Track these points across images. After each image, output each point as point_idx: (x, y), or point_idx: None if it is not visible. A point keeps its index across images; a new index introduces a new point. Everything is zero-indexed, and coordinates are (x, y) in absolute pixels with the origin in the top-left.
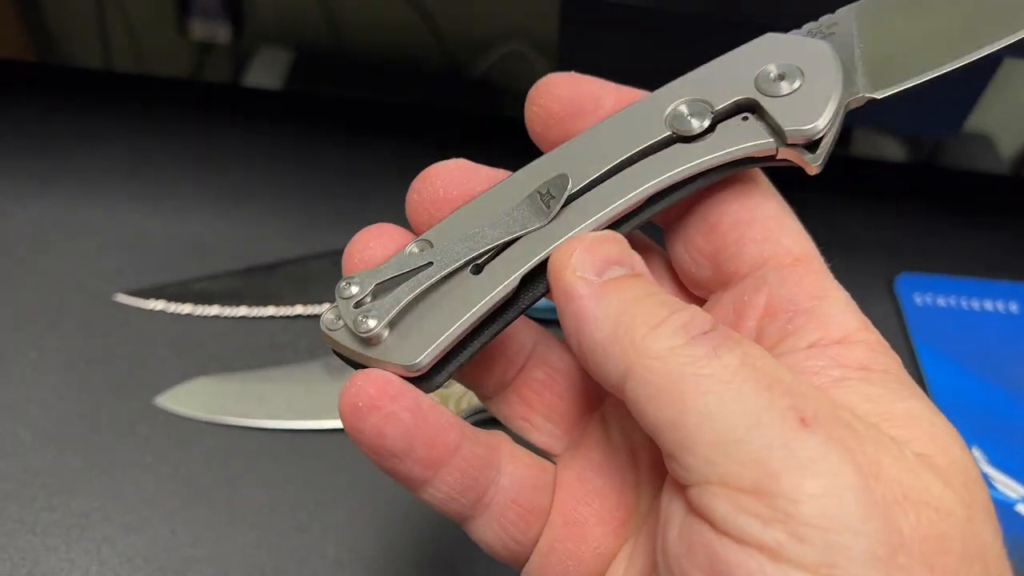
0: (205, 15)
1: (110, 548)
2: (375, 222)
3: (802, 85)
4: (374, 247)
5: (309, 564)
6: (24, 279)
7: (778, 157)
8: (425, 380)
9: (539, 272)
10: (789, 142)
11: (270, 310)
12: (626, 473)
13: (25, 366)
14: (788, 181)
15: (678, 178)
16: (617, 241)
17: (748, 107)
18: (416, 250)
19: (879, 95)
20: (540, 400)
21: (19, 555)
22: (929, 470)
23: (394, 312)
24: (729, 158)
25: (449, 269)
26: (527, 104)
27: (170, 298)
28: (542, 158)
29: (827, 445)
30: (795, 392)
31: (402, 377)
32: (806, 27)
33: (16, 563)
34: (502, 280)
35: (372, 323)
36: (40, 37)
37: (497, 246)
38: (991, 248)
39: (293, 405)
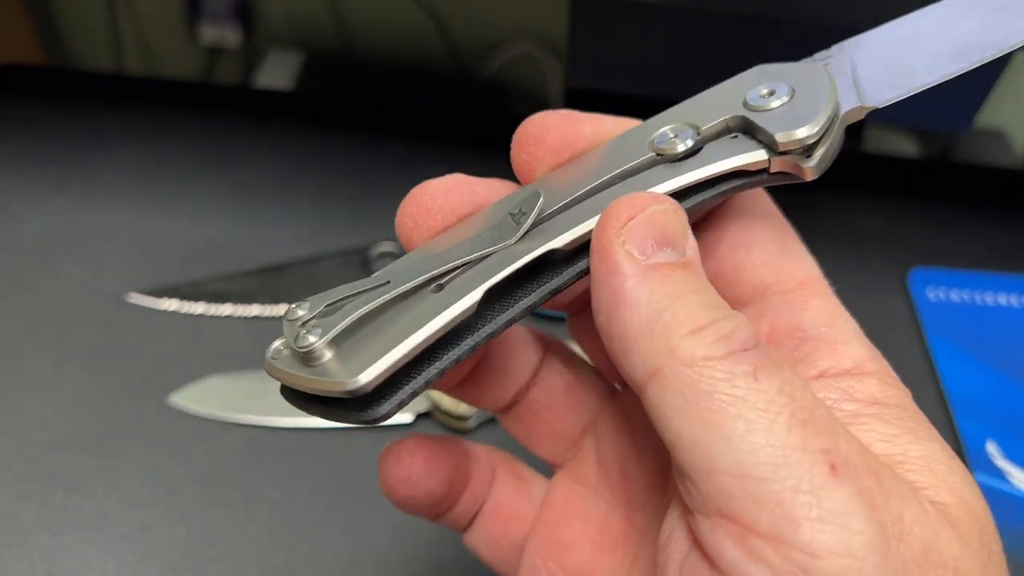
0: (215, 18)
1: (126, 547)
2: (385, 223)
3: (793, 99)
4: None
5: (324, 563)
6: (39, 281)
7: (772, 171)
8: (368, 408)
9: (509, 293)
10: (781, 149)
11: (282, 309)
12: (616, 494)
13: (41, 367)
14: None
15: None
16: (678, 216)
17: (737, 128)
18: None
19: (880, 104)
20: (538, 422)
21: (36, 554)
22: (947, 526)
23: (340, 327)
24: (716, 171)
25: (407, 287)
26: (514, 149)
27: (183, 298)
28: (519, 190)
29: (855, 499)
30: (829, 433)
31: (341, 400)
32: (801, 61)
33: (33, 562)
34: (462, 295)
35: (312, 338)
36: (51, 40)
37: (462, 264)
38: (1004, 242)
39: None
